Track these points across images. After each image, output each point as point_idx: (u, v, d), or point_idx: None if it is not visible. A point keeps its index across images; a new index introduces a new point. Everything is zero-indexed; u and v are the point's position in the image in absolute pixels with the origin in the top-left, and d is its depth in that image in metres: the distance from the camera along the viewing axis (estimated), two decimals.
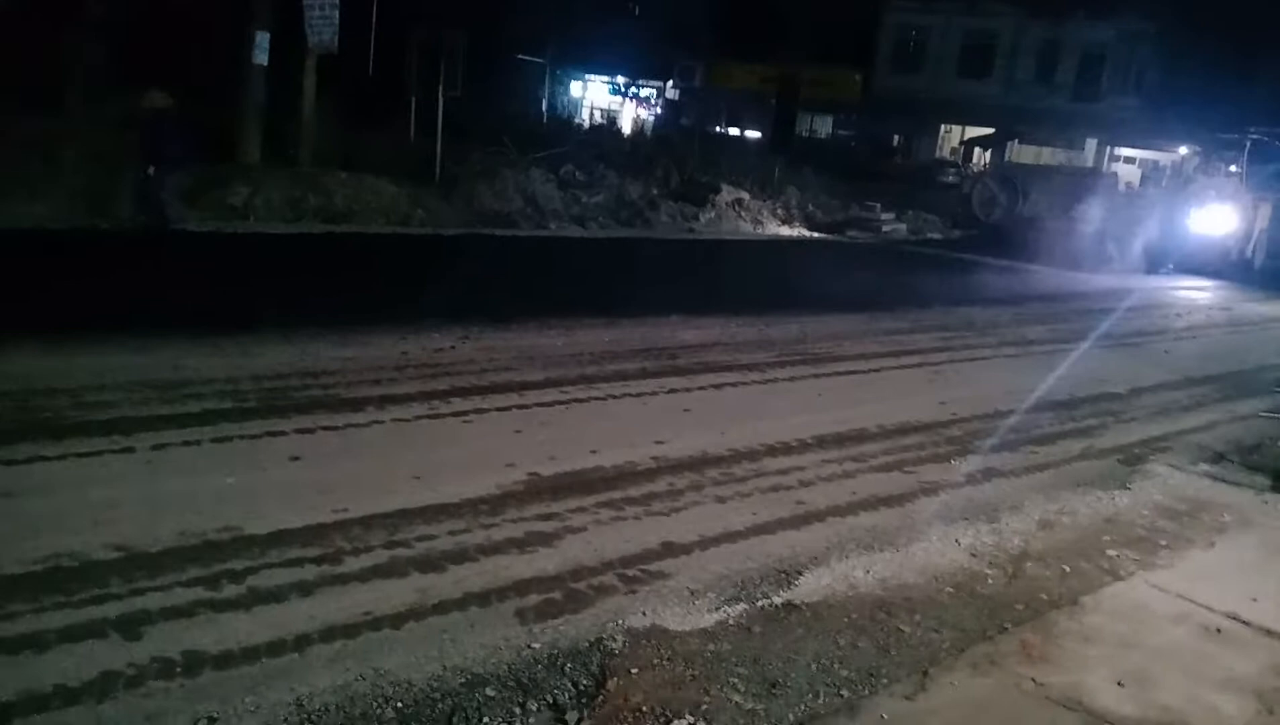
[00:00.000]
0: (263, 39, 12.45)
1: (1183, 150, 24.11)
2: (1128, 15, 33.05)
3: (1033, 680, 3.09)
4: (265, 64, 12.58)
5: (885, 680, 3.01)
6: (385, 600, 3.17)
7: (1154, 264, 16.38)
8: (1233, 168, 18.61)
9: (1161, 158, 31.40)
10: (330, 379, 5.44)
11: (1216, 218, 16.71)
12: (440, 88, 13.89)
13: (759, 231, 17.67)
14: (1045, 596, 3.74)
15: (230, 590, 3.13)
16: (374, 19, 15.76)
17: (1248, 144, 18.00)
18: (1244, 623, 3.67)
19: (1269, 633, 3.61)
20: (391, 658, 2.86)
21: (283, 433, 4.55)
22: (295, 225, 11.43)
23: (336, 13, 12.89)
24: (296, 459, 4.28)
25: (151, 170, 9.33)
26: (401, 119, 14.65)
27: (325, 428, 4.68)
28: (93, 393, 4.78)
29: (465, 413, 5.14)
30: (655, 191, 17.16)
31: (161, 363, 5.35)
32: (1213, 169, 18.19)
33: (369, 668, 2.80)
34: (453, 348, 6.42)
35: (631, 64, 38.20)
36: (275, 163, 12.70)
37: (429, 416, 5.02)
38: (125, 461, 4.05)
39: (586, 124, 28.02)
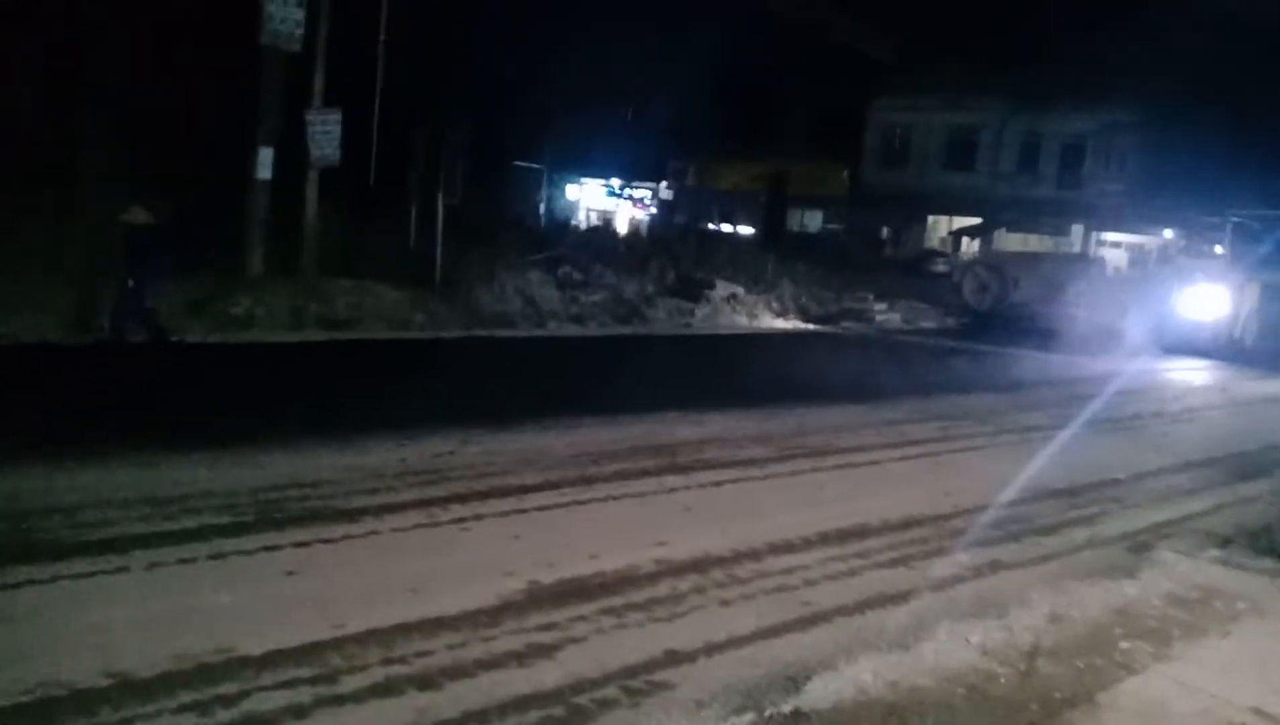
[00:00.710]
0: (265, 154, 12.77)
1: (1167, 233, 24.55)
2: (1107, 106, 34.04)
3: None
4: (269, 178, 12.88)
5: None
6: (382, 721, 3.09)
7: (1145, 347, 16.44)
8: (1218, 249, 18.91)
9: (1147, 242, 31.96)
10: (329, 489, 5.41)
11: (1203, 300, 16.87)
12: (440, 192, 14.20)
13: (754, 325, 17.81)
14: (1060, 695, 3.65)
15: (223, 715, 3.05)
16: (374, 130, 16.18)
17: (1230, 226, 18.33)
18: (1268, 717, 3.58)
19: None
20: None
21: (279, 547, 4.50)
22: (297, 333, 11.51)
23: (339, 128, 13.25)
24: (293, 574, 4.23)
25: (130, 283, 9.31)
26: (403, 223, 14.92)
27: (322, 540, 4.63)
28: (90, 510, 4.74)
29: (464, 519, 5.10)
30: (651, 289, 17.38)
31: (160, 477, 5.32)
32: (1196, 251, 18.46)
33: None
34: (451, 453, 6.40)
35: (626, 166, 39.14)
36: (278, 272, 12.88)
37: (427, 525, 4.98)
38: (120, 582, 3.99)
39: (583, 225, 28.56)
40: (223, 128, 13.13)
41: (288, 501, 5.14)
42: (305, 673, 3.35)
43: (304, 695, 3.21)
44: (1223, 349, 16.50)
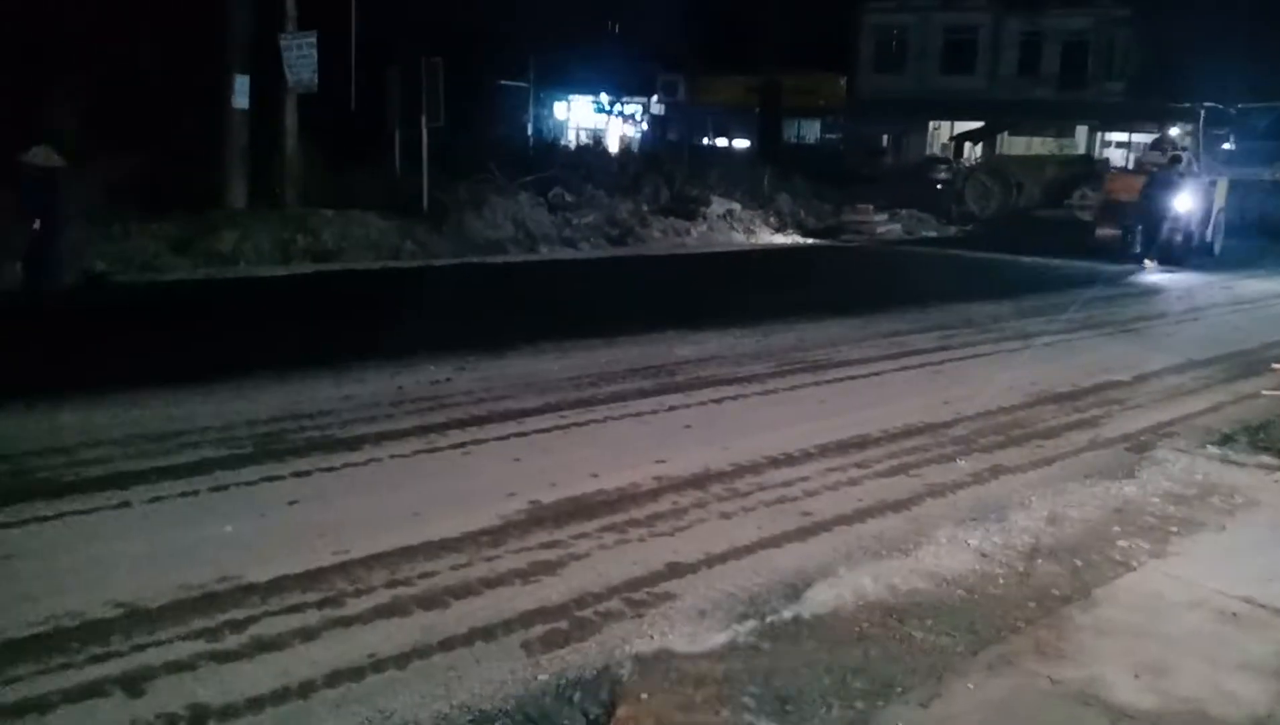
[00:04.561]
0: (242, 82, 12.52)
1: (1174, 131, 23.96)
2: (1103, 2, 33.16)
3: (1048, 678, 3.04)
4: (246, 107, 12.63)
5: (899, 689, 2.96)
6: (389, 640, 3.13)
7: (1150, 250, 16.12)
8: (1226, 146, 18.32)
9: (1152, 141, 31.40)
10: (326, 419, 5.42)
11: (1180, 200, 15.88)
12: (423, 118, 13.95)
13: (752, 241, 17.68)
14: (1057, 592, 3.69)
15: (233, 640, 3.10)
16: (353, 54, 15.81)
17: (1200, 116, 17.37)
18: (1259, 605, 3.62)
19: None
20: (398, 699, 2.82)
21: (280, 477, 4.53)
22: (285, 267, 11.44)
23: (314, 51, 12.95)
24: (295, 503, 4.25)
25: (37, 225, 8.78)
26: (386, 152, 14.71)
27: (323, 469, 4.65)
28: (88, 449, 4.75)
29: (464, 444, 5.11)
30: (645, 208, 17.20)
31: (155, 414, 5.33)
32: (1167, 148, 17.40)
33: (375, 710, 2.76)
34: (448, 380, 6.39)
35: (615, 82, 38.35)
36: (261, 206, 12.74)
37: (426, 451, 5.00)
38: (122, 516, 4.02)
39: (573, 145, 28.11)
40: (193, 59, 12.80)
41: (286, 432, 5.16)
42: (312, 597, 3.39)
43: (311, 619, 3.25)
44: (1195, 253, 15.81)
